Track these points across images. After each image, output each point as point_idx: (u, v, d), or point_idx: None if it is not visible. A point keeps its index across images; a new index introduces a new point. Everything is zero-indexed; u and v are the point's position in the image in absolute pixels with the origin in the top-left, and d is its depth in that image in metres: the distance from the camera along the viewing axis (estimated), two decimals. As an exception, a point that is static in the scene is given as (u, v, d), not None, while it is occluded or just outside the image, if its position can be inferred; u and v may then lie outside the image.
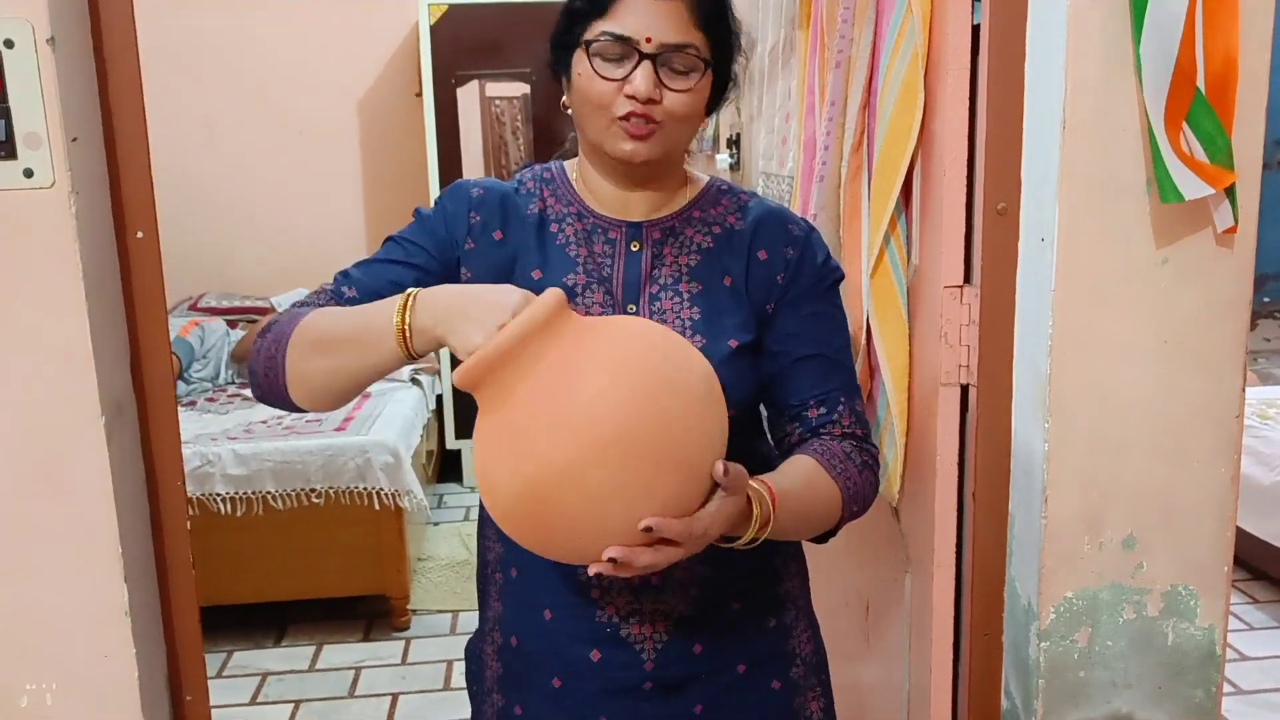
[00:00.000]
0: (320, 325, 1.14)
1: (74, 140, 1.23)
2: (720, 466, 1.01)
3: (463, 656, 1.45)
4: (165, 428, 1.39)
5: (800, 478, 1.19)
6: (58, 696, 1.35)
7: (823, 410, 1.25)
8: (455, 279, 1.25)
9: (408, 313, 1.06)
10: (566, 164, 1.32)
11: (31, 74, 1.20)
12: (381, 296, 1.15)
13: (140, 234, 1.33)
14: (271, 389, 1.17)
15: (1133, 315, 1.32)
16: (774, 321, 1.26)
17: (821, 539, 1.27)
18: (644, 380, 0.97)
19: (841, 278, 1.32)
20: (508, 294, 1.03)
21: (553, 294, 1.00)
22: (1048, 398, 1.34)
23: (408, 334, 1.06)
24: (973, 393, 1.48)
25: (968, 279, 1.48)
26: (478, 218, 1.26)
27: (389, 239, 1.28)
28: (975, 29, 1.43)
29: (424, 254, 1.25)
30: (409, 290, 1.08)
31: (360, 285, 1.23)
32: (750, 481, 1.08)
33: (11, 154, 1.21)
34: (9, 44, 1.19)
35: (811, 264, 1.28)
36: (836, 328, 1.29)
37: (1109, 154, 1.30)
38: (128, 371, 1.36)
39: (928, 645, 1.58)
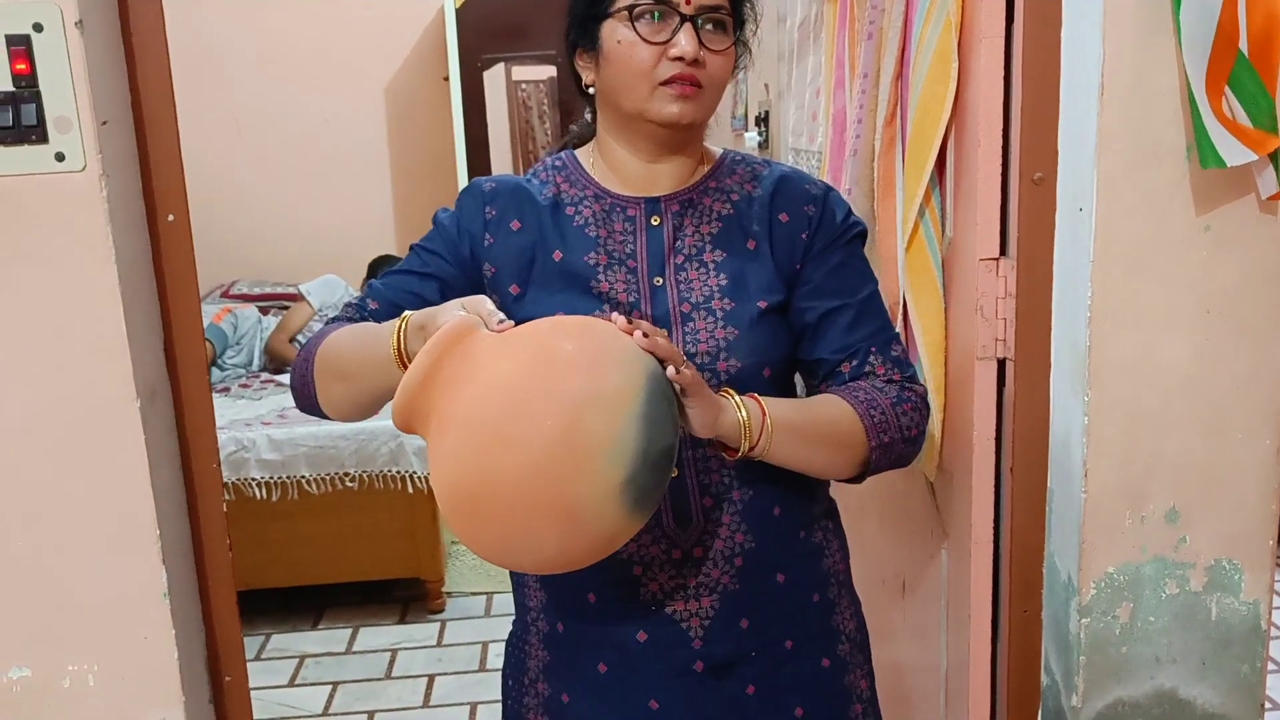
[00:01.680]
0: (336, 350, 1.20)
1: (104, 124, 1.24)
2: (671, 370, 1.04)
3: (497, 638, 1.45)
4: (199, 411, 1.40)
5: (804, 401, 1.23)
6: (99, 678, 1.37)
7: (854, 364, 1.25)
8: (478, 279, 1.27)
9: (401, 338, 1.09)
10: (578, 152, 1.32)
11: (61, 57, 1.20)
12: (399, 307, 1.21)
13: (171, 217, 1.34)
14: (308, 407, 1.25)
15: (1173, 285, 1.30)
16: (801, 278, 1.26)
17: (858, 478, 1.25)
18: (478, 442, 0.98)
19: (864, 231, 1.32)
20: (440, 318, 1.04)
21: (441, 333, 1.00)
22: (1087, 370, 1.32)
23: (405, 357, 1.09)
24: (1010, 367, 1.46)
25: (1004, 251, 1.46)
26: (493, 211, 1.27)
27: (412, 247, 1.31)
28: (1009, -5, 1.40)
29: (439, 260, 1.28)
30: (404, 314, 1.11)
31: (381, 298, 1.27)
32: (735, 395, 1.14)
33: (43, 138, 1.21)
34: (38, 28, 1.19)
35: (832, 219, 1.28)
36: (862, 278, 1.29)
37: (1148, 120, 1.27)
38: (161, 355, 1.37)
39: (965, 622, 1.56)
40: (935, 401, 1.62)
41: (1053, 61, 1.35)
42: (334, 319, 1.28)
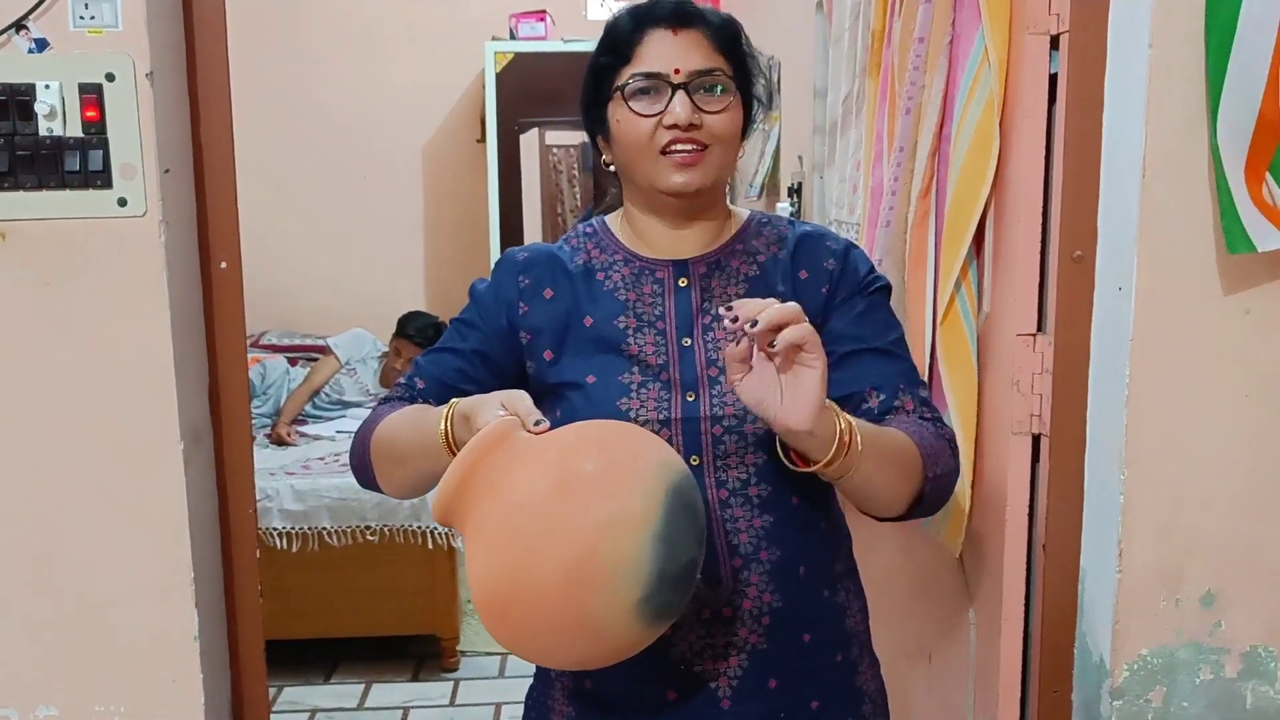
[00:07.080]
0: (390, 437, 1.24)
1: (166, 172, 1.27)
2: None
3: (510, 700, 1.44)
4: (239, 457, 1.41)
5: (870, 423, 1.19)
6: (125, 719, 1.36)
7: (882, 397, 1.24)
8: (516, 347, 1.30)
9: (449, 425, 1.13)
10: (608, 218, 1.35)
11: (130, 107, 1.24)
12: (445, 384, 1.27)
13: (224, 265, 1.36)
14: (368, 485, 1.29)
15: (1215, 366, 1.30)
16: (825, 331, 1.26)
17: (910, 514, 1.23)
18: (503, 558, 1.02)
19: (888, 285, 1.32)
20: (482, 415, 1.08)
21: (479, 438, 1.04)
22: (1124, 449, 1.32)
23: (453, 445, 1.13)
24: (1044, 442, 1.46)
25: (1040, 327, 1.47)
26: (527, 280, 1.30)
27: (452, 321, 1.35)
28: (1052, 77, 1.43)
29: (477, 334, 1.31)
30: (452, 401, 1.15)
31: (428, 376, 1.31)
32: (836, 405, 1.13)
33: (107, 183, 1.25)
34: (110, 77, 1.23)
35: (854, 273, 1.29)
36: (887, 326, 1.29)
37: (1191, 203, 1.29)
38: (206, 400, 1.39)
39: (993, 700, 1.54)
40: (965, 476, 1.62)
41: (1094, 142, 1.37)
42: (386, 399, 1.32)
